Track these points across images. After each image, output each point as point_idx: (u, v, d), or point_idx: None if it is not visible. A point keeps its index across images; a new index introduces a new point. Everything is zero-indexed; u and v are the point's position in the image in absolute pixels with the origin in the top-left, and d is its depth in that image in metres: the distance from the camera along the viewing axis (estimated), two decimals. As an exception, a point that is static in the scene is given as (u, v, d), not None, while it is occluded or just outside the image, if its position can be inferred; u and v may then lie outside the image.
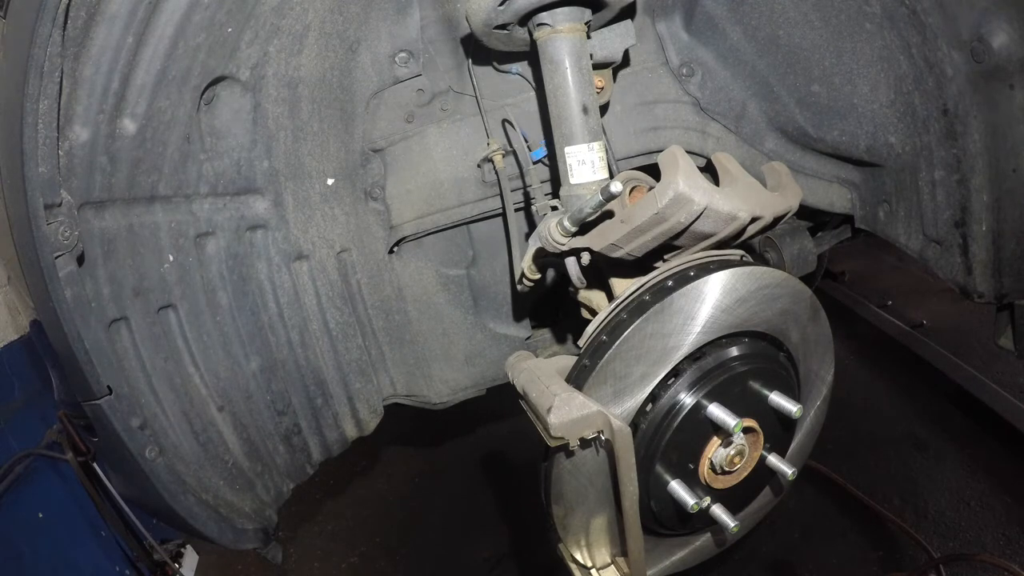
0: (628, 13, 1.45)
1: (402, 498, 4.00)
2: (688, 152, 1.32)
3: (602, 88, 1.56)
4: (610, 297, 1.40)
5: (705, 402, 1.24)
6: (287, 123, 1.48)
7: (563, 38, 1.31)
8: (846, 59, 1.44)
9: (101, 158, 1.22)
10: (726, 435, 1.26)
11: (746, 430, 1.28)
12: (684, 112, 1.74)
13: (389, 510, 3.94)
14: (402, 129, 1.66)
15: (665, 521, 1.35)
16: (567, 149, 1.36)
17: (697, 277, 1.24)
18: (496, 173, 1.63)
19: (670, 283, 1.25)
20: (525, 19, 1.33)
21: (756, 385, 1.30)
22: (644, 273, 1.31)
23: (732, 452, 1.28)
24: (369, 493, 4.10)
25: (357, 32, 1.50)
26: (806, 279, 1.55)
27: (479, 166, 1.68)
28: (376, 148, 1.67)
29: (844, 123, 1.52)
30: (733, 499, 1.35)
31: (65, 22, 1.08)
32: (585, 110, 1.34)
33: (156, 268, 1.35)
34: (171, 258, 1.37)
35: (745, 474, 1.32)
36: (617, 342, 1.21)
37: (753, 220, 1.24)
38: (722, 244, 1.30)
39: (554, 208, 1.46)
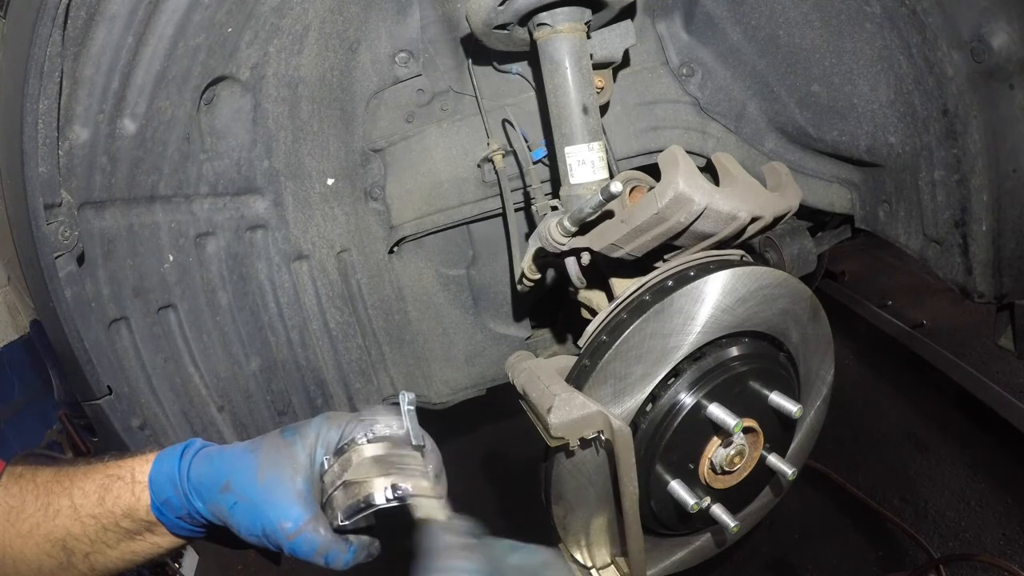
0: (628, 13, 1.45)
1: (402, 498, 3.99)
2: (688, 152, 1.32)
3: (602, 88, 1.56)
4: (610, 297, 1.40)
5: (705, 402, 1.24)
6: (287, 123, 1.48)
7: (563, 38, 1.31)
8: (846, 59, 1.44)
9: (101, 158, 1.22)
10: (726, 435, 1.26)
11: (746, 430, 1.28)
12: (684, 112, 1.74)
13: (389, 510, 3.92)
14: (402, 129, 1.66)
15: (665, 521, 1.35)
16: (567, 149, 1.36)
17: (697, 277, 1.24)
18: (496, 173, 1.63)
19: (670, 283, 1.25)
20: (525, 19, 1.33)
21: (756, 385, 1.30)
22: (644, 273, 1.31)
23: (732, 452, 1.28)
24: (369, 493, 4.09)
25: (357, 32, 1.50)
26: (806, 279, 1.55)
27: (479, 166, 1.68)
28: (376, 148, 1.67)
29: (844, 123, 1.51)
30: (733, 499, 1.35)
31: (65, 22, 1.08)
32: (585, 110, 1.34)
33: (156, 268, 1.35)
34: (171, 258, 1.37)
35: (745, 474, 1.32)
36: (617, 342, 1.21)
37: (753, 220, 1.24)
38: (722, 244, 1.30)
39: (554, 208, 1.46)
